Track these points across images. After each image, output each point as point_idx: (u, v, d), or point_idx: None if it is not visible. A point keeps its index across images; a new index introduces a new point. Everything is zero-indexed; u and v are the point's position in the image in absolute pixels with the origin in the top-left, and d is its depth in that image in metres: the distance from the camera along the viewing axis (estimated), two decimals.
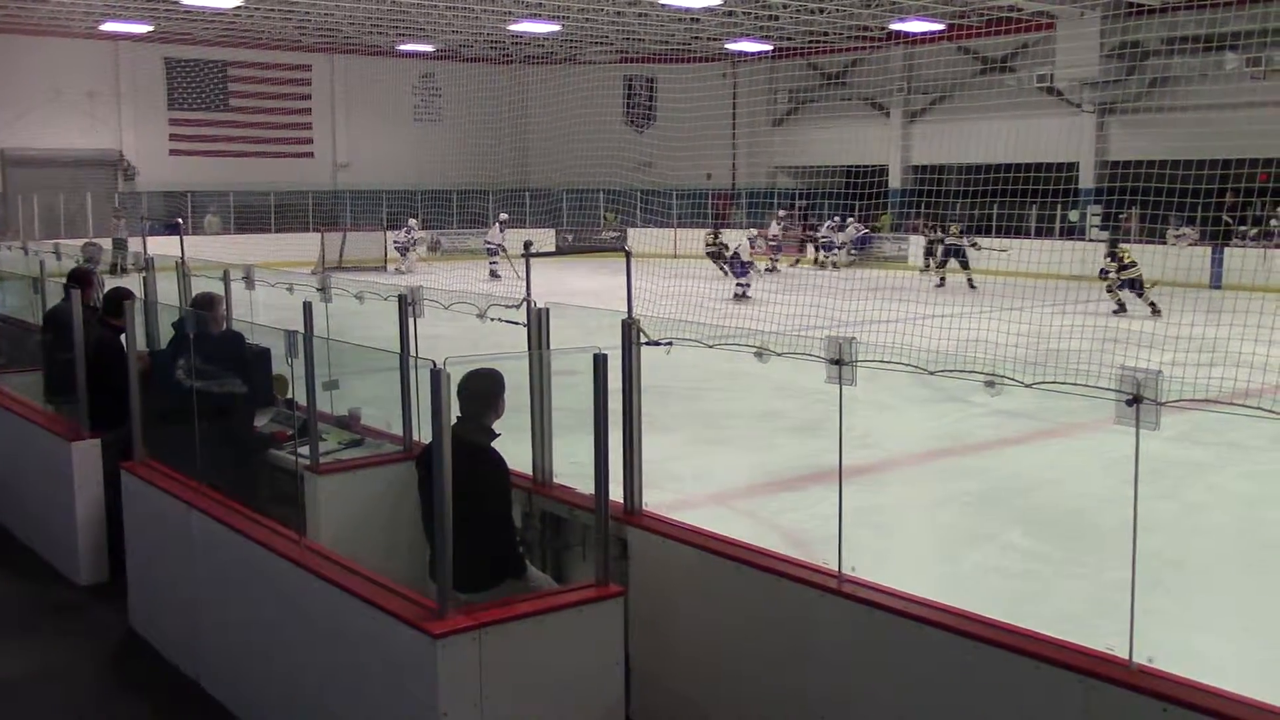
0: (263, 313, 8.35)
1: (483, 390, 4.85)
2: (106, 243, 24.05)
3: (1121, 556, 3.70)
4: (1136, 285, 22.13)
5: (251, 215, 35.07)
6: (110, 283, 9.25)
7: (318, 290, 7.44)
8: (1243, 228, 26.53)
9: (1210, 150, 23.98)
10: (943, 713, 3.99)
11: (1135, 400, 3.52)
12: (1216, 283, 25.33)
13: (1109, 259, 22.57)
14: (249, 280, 8.45)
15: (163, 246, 15.52)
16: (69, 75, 33.29)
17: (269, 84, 36.98)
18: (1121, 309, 21.98)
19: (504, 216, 31.40)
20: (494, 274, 28.59)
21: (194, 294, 8.24)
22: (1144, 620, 3.58)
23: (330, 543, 5.29)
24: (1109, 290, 22.45)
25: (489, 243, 30.11)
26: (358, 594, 4.51)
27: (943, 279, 27.63)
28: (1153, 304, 21.69)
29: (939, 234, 28.77)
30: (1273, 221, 26.19)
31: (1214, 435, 10.68)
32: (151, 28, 32.05)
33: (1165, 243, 26.22)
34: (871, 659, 4.19)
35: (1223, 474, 10.18)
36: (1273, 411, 3.67)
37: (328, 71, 37.87)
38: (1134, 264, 22.31)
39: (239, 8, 29.14)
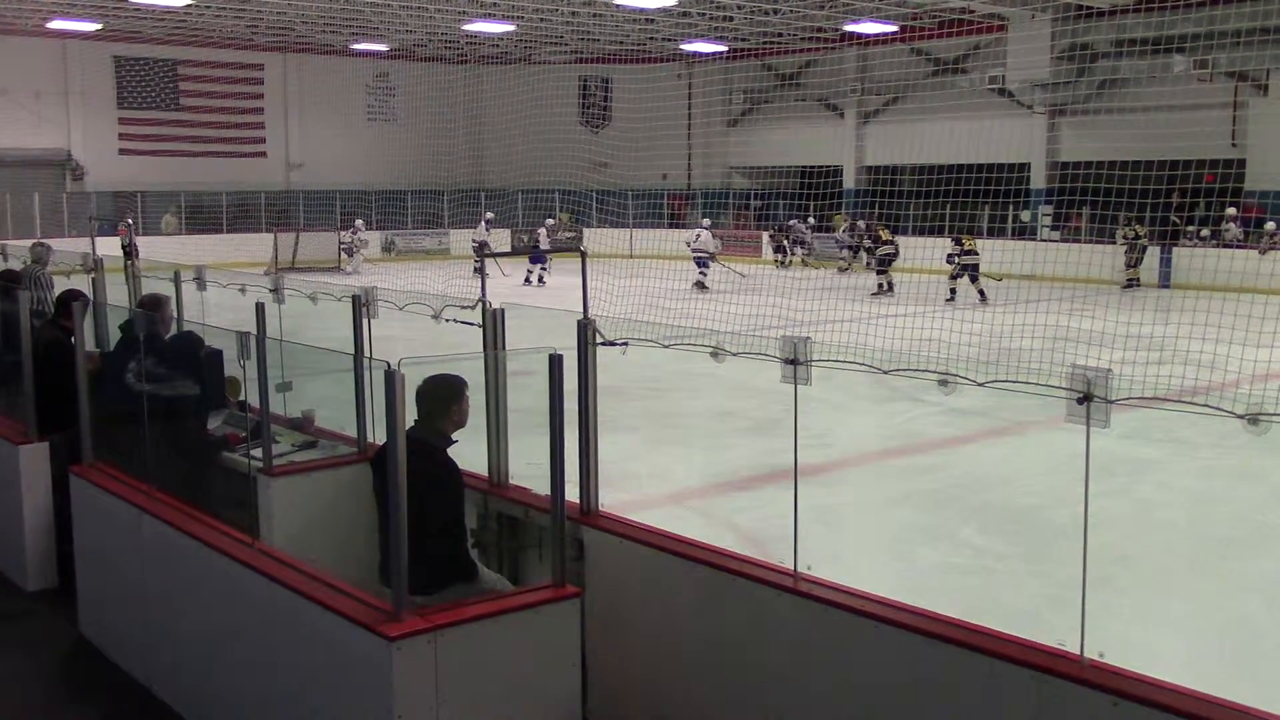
0: (215, 314, 8.26)
1: (436, 395, 4.85)
2: (64, 243, 23.49)
3: (1073, 553, 3.74)
4: (973, 271, 23.77)
5: (203, 215, 34.71)
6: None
7: (271, 291, 7.37)
8: (1190, 228, 26.92)
9: (1158, 151, 24.33)
10: (898, 709, 4.01)
11: (1086, 398, 3.56)
12: (1165, 282, 25.70)
13: (955, 243, 24.20)
14: (200, 281, 8.36)
15: (114, 247, 15.35)
16: (15, 74, 32.75)
17: (220, 83, 36.59)
18: (952, 297, 23.31)
19: (490, 215, 31.39)
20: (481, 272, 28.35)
21: (142, 295, 8.15)
22: (1095, 616, 3.62)
23: (284, 546, 5.25)
24: (951, 278, 24.05)
25: (476, 240, 30.15)
26: (311, 597, 4.47)
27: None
28: (981, 291, 23.35)
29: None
30: (1226, 225, 26.54)
31: (1163, 433, 10.82)
32: (100, 26, 31.63)
33: (1115, 243, 26.61)
34: (827, 657, 4.21)
35: (1172, 471, 10.31)
36: (1220, 409, 3.72)
37: (280, 70, 37.54)
38: (975, 251, 23.95)
39: (189, 6, 28.80)
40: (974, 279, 23.75)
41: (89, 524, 6.42)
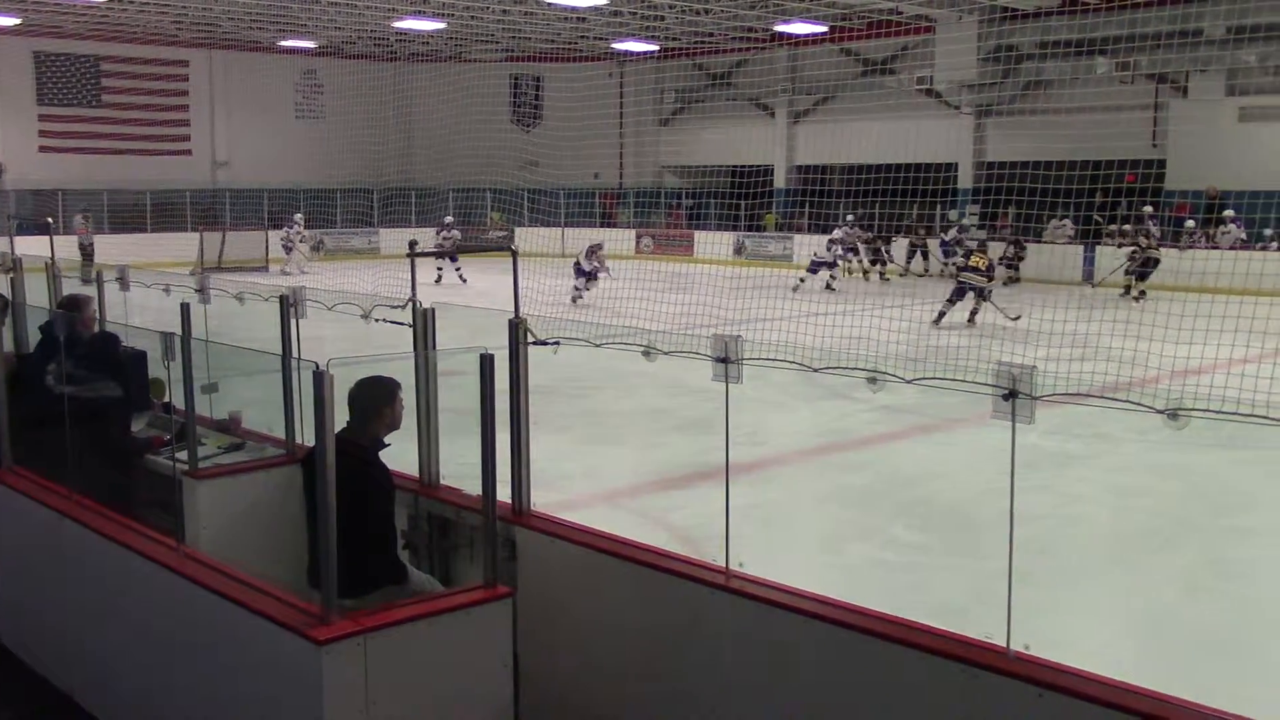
0: (138, 314, 8.13)
1: (367, 397, 4.81)
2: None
3: (999, 547, 3.79)
4: (982, 291, 19.83)
5: (126, 215, 34.02)
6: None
7: (196, 291, 7.25)
8: (1112, 226, 27.42)
9: (1082, 152, 24.81)
10: (829, 705, 4.04)
11: (1011, 395, 3.61)
12: (1089, 280, 26.17)
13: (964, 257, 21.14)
14: (123, 281, 8.21)
15: (32, 247, 15.00)
16: None
17: (144, 79, 35.92)
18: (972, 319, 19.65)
19: (449, 220, 30.87)
20: (459, 277, 27.47)
21: (63, 295, 7.98)
22: (1020, 608, 3.68)
23: (210, 549, 5.17)
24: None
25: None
26: (238, 601, 4.40)
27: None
28: (973, 313, 19.63)
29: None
30: (1154, 223, 26.92)
31: (1085, 428, 11.01)
32: (19, 21, 30.92)
33: (1043, 238, 27.08)
34: (759, 653, 4.23)
35: (1093, 466, 10.51)
36: (1141, 405, 3.79)
37: (205, 67, 36.94)
38: (979, 268, 19.96)
39: (112, 0, 28.26)
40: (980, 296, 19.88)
41: (6, 529, 6.28)
